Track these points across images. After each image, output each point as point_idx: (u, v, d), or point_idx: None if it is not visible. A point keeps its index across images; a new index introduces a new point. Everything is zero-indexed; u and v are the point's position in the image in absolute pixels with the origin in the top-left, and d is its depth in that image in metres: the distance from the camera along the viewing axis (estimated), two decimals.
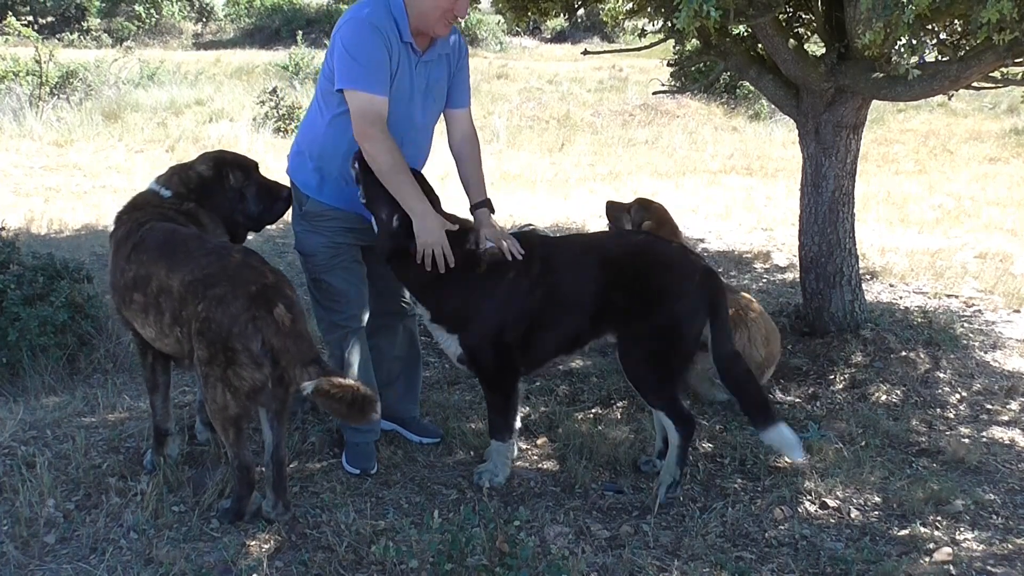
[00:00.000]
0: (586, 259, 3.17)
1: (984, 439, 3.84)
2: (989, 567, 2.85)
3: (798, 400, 4.19)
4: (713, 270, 3.25)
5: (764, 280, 6.10)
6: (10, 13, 18.29)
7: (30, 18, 23.13)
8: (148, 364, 3.15)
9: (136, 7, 23.18)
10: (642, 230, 4.22)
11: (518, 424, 3.35)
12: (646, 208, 4.51)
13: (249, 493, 2.89)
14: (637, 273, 3.11)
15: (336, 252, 3.20)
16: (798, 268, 4.95)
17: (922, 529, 3.05)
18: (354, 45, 2.90)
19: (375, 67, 2.90)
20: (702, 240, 7.23)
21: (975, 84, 4.24)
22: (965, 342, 4.84)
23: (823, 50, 4.49)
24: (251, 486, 2.88)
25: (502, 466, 3.28)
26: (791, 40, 4.53)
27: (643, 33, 4.95)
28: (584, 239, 3.68)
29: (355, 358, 3.28)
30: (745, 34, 4.89)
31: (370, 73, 2.89)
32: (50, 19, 24.06)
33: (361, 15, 2.93)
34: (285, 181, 3.36)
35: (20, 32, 14.07)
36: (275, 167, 11.83)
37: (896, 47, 4.00)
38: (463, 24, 3.22)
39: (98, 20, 23.46)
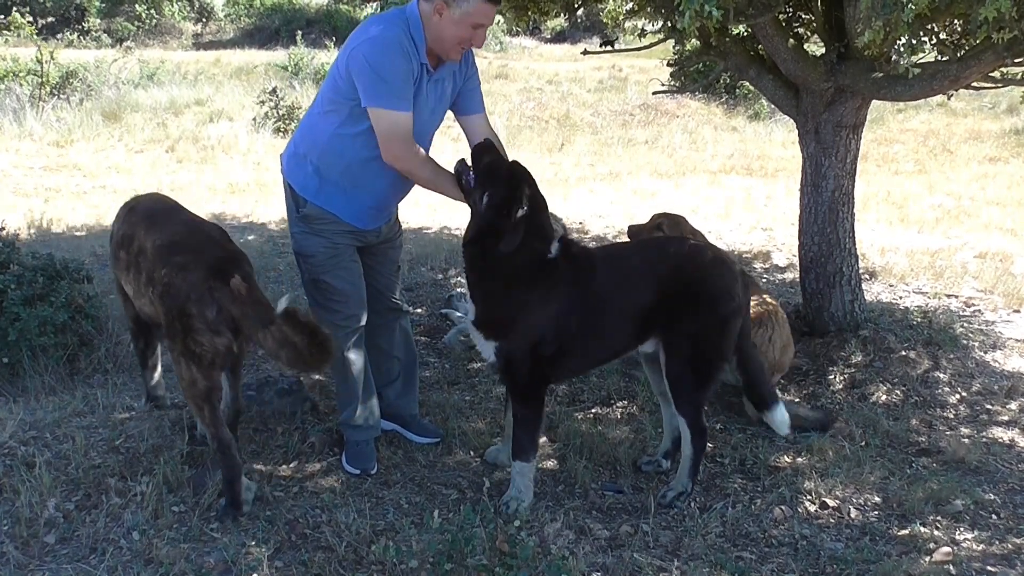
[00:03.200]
0: (636, 269, 3.20)
1: (984, 439, 3.84)
2: (988, 567, 2.85)
3: (798, 400, 4.19)
4: (744, 273, 3.31)
5: (764, 280, 6.10)
6: (14, 10, 18.30)
7: (30, 18, 23.12)
8: (140, 348, 3.55)
9: (136, 7, 23.17)
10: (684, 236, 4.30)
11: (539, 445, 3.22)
12: (678, 223, 4.60)
13: (237, 475, 2.89)
14: (688, 277, 3.14)
15: (335, 252, 3.20)
16: (798, 268, 4.95)
17: (922, 529, 3.05)
18: (380, 63, 2.90)
19: (401, 84, 2.92)
20: None
21: (975, 84, 4.24)
22: (965, 342, 4.84)
23: (823, 50, 4.49)
24: (237, 467, 2.89)
25: (526, 488, 3.09)
26: (791, 40, 4.53)
27: (643, 33, 4.95)
28: (630, 246, 3.78)
29: (356, 358, 3.28)
30: (745, 34, 4.89)
31: (396, 91, 2.91)
32: (50, 19, 24.05)
33: (387, 34, 2.92)
34: (279, 181, 3.37)
35: (24, 28, 14.09)
36: (274, 167, 11.81)
37: (896, 46, 4.00)
38: None
39: (98, 20, 23.44)
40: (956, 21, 4.20)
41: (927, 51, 4.25)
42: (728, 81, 15.30)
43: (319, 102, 3.17)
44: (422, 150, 3.06)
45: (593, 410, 3.98)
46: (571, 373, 3.34)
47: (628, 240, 4.81)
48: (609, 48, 5.05)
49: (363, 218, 3.22)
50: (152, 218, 3.10)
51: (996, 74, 4.20)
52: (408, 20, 2.96)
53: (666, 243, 3.79)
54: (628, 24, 6.15)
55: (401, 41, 2.92)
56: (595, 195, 9.80)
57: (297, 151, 3.20)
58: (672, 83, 5.96)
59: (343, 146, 3.08)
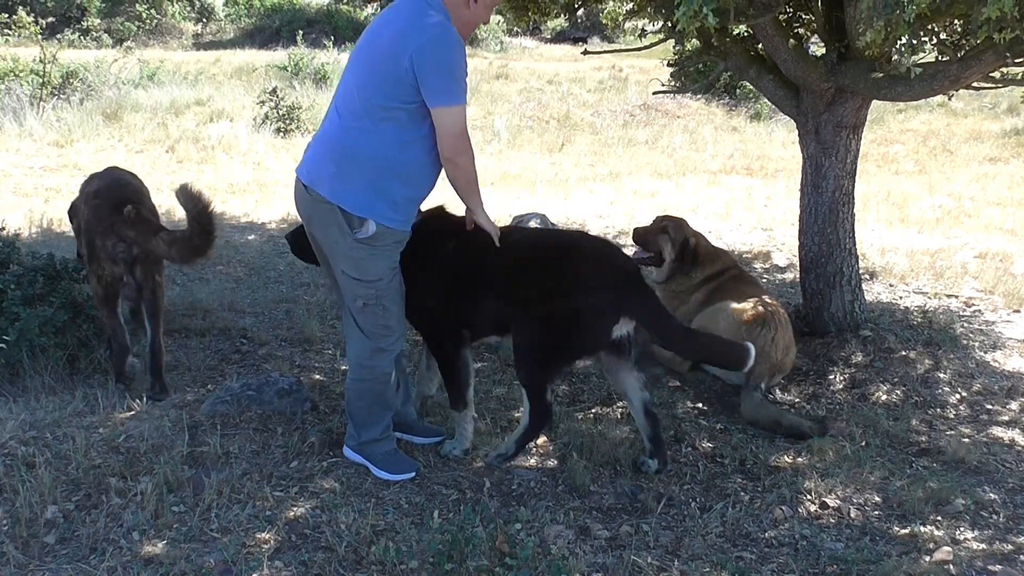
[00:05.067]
0: (494, 250, 3.28)
1: (984, 439, 3.84)
2: (989, 567, 2.85)
3: (798, 400, 4.20)
4: (634, 272, 3.34)
5: (764, 280, 6.10)
6: (20, 7, 18.31)
7: (30, 18, 23.11)
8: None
9: (137, 7, 23.17)
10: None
11: (471, 395, 3.46)
12: (681, 226, 4.69)
13: (123, 354, 3.91)
14: (546, 264, 3.22)
15: (395, 272, 3.12)
16: (798, 268, 4.95)
17: (922, 529, 3.05)
18: (452, 60, 2.85)
19: (465, 77, 2.90)
20: None
21: (975, 84, 4.24)
22: (965, 342, 4.84)
23: (823, 50, 4.49)
24: (124, 349, 3.92)
25: (460, 437, 3.47)
26: (791, 40, 4.53)
27: (643, 33, 4.96)
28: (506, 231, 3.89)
29: (393, 381, 3.25)
30: (745, 34, 4.90)
31: (463, 85, 2.89)
32: (51, 19, 24.05)
33: (445, 27, 2.86)
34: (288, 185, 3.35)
35: (28, 27, 14.08)
36: (275, 167, 11.75)
37: (896, 46, 4.01)
38: None
39: (98, 20, 23.44)
40: (956, 21, 4.20)
41: (927, 51, 4.25)
42: (728, 81, 15.28)
43: (360, 114, 2.94)
44: None
45: (593, 410, 3.98)
46: (467, 333, 3.40)
47: (637, 241, 4.86)
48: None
49: (410, 220, 3.13)
50: (92, 180, 4.13)
51: (996, 74, 4.21)
52: (438, 8, 2.91)
53: (534, 232, 3.82)
54: (628, 24, 6.16)
55: (455, 32, 2.88)
56: (595, 195, 9.79)
57: (342, 170, 2.96)
58: (672, 83, 5.96)
59: (407, 154, 2.94)
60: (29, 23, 14.72)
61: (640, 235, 4.90)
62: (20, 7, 18.46)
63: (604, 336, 3.22)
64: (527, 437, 3.36)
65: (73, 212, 4.33)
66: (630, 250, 4.79)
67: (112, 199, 3.81)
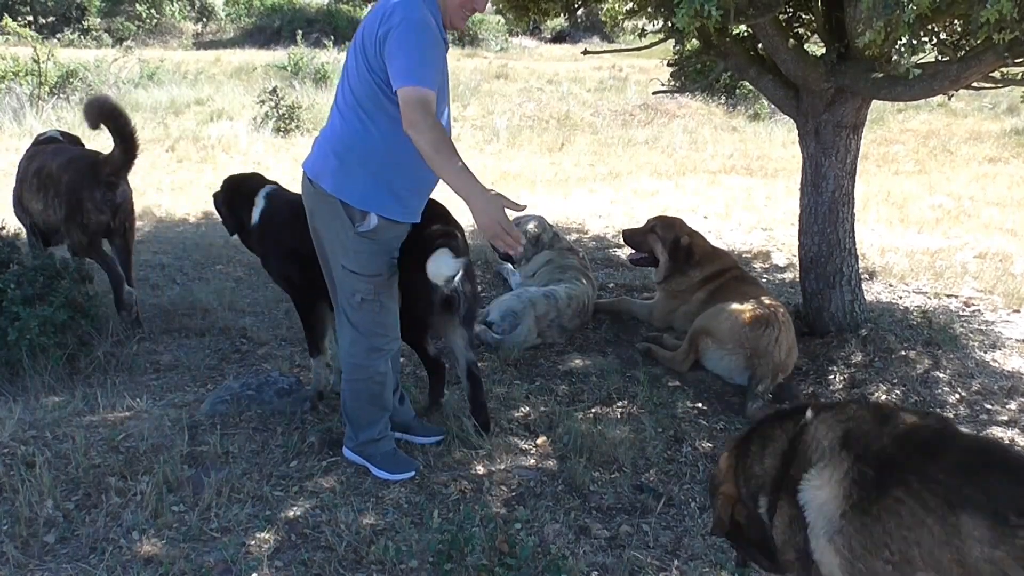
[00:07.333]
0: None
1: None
2: None
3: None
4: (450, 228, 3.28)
5: (764, 280, 6.10)
6: (6, 15, 18.32)
7: (31, 18, 23.13)
8: (40, 247, 4.70)
9: (137, 7, 23.19)
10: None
11: (325, 344, 3.78)
12: (671, 225, 4.69)
13: (119, 282, 4.52)
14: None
15: (394, 268, 3.11)
16: (798, 268, 4.95)
17: None
18: (413, 46, 2.79)
19: (430, 65, 2.82)
20: None
21: (975, 84, 4.24)
22: (964, 342, 4.84)
23: (823, 50, 4.49)
24: (119, 277, 4.52)
25: (315, 380, 3.80)
26: (791, 40, 4.53)
27: (643, 33, 4.95)
28: None
29: (390, 381, 3.24)
30: (745, 34, 4.90)
31: (426, 69, 2.79)
32: (51, 19, 24.07)
33: (417, 16, 2.82)
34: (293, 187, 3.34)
35: (17, 33, 14.09)
36: (275, 166, 11.75)
37: (896, 47, 4.00)
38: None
39: (98, 20, 23.46)
40: (956, 21, 4.20)
41: (927, 51, 4.25)
42: (728, 81, 15.27)
43: (353, 109, 2.96)
44: (439, 123, 2.83)
45: (593, 410, 3.97)
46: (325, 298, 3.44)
47: (628, 243, 4.85)
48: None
49: (413, 212, 3.10)
50: (56, 152, 4.68)
51: (996, 74, 4.20)
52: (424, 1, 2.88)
53: None
54: (628, 24, 6.15)
55: (431, 23, 2.85)
56: (595, 195, 9.79)
57: (344, 164, 2.96)
58: (672, 83, 5.96)
59: (404, 145, 2.87)
60: (16, 28, 14.68)
61: (629, 236, 4.90)
62: (18, 8, 18.47)
63: (428, 293, 3.22)
64: (437, 389, 3.74)
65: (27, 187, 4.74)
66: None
67: (87, 160, 4.48)
